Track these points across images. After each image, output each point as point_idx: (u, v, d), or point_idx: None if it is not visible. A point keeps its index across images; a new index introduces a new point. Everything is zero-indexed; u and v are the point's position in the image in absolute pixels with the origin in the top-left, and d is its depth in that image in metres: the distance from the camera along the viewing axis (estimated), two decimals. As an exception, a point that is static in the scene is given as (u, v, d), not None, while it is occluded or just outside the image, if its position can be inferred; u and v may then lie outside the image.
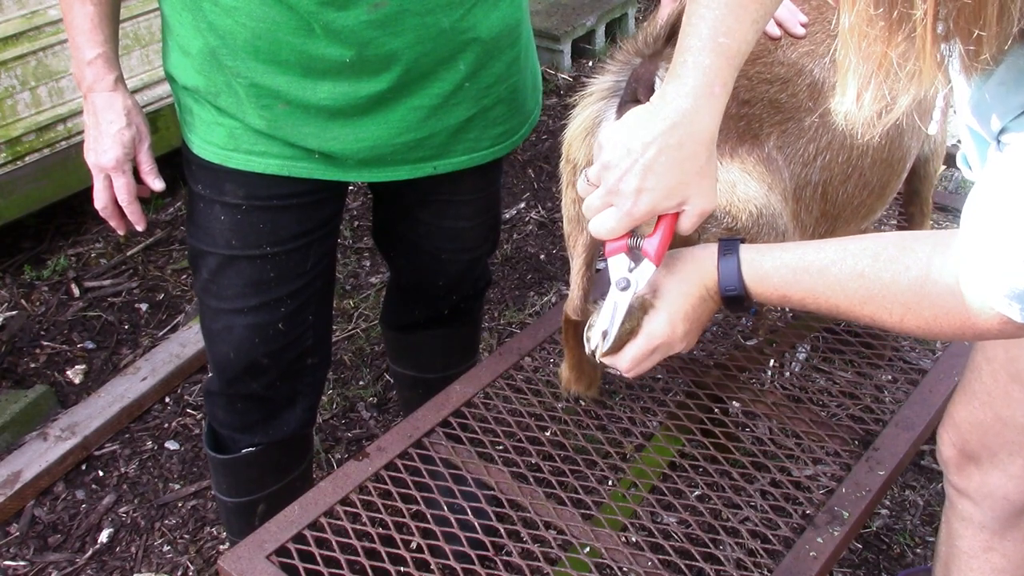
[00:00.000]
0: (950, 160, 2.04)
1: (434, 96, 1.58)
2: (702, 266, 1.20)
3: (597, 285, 1.59)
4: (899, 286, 1.05)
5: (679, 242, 1.26)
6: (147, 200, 1.66)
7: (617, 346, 1.22)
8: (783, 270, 1.14)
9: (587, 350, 1.24)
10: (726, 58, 1.16)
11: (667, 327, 1.21)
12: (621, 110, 1.39)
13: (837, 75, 0.87)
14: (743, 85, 1.47)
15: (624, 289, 1.21)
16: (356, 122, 1.56)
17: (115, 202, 1.63)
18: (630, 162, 1.17)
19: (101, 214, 1.64)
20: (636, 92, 1.37)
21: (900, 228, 2.21)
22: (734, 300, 1.18)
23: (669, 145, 1.15)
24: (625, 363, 1.23)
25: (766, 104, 1.48)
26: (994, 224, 0.89)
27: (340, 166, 1.62)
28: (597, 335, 1.22)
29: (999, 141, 0.92)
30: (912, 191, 1.99)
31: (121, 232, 1.69)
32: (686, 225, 1.21)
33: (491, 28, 1.57)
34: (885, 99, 0.84)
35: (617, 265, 1.22)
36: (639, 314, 1.21)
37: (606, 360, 1.24)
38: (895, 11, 0.75)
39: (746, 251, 1.17)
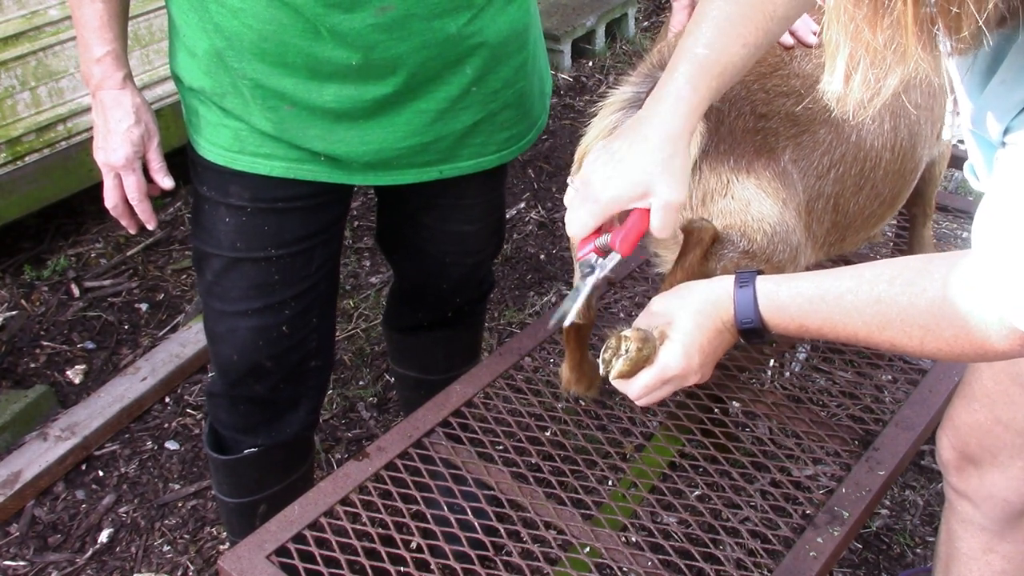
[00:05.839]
0: (955, 162, 2.03)
1: (440, 100, 1.58)
2: (718, 298, 1.19)
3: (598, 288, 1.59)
4: (917, 308, 1.03)
5: (698, 275, 1.25)
6: (150, 199, 1.66)
7: (630, 372, 1.21)
8: (799, 299, 1.13)
9: (600, 372, 1.24)
10: (699, 65, 1.20)
11: (682, 359, 1.20)
12: None
13: (825, 54, 0.85)
14: (761, 99, 1.47)
15: (587, 275, 1.23)
16: (362, 125, 1.56)
17: (125, 201, 1.63)
18: (602, 156, 1.23)
19: (112, 213, 1.64)
20: None
21: (901, 228, 2.21)
22: (751, 332, 1.18)
23: (634, 139, 1.21)
24: (636, 390, 1.23)
25: (782, 118, 1.48)
26: (1006, 231, 0.87)
27: (345, 169, 1.62)
28: (610, 358, 1.22)
29: (1004, 143, 0.91)
30: (916, 192, 1.99)
31: (133, 231, 1.68)
32: (656, 223, 1.21)
33: (499, 32, 1.57)
34: (873, 83, 0.83)
35: (586, 261, 1.25)
36: (655, 343, 1.21)
37: (617, 385, 1.24)
38: None
39: (763, 282, 1.17)
